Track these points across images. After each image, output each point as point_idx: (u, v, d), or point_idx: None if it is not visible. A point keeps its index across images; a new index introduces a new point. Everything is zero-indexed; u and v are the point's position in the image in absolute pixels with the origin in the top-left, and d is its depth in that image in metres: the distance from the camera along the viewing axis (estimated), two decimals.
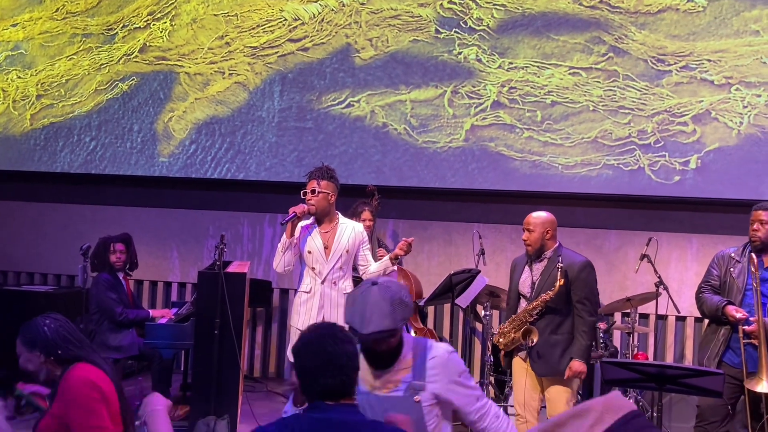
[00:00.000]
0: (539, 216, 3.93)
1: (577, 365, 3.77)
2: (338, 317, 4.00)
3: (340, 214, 4.18)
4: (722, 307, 3.76)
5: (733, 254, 3.89)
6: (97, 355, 2.61)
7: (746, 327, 3.65)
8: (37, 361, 2.54)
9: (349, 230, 4.08)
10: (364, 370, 2.34)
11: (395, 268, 4.18)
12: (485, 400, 2.42)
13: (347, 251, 4.04)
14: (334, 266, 4.03)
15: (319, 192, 4.00)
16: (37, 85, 6.96)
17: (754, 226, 3.80)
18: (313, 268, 4.05)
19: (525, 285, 3.93)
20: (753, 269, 3.70)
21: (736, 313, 3.70)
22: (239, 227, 6.62)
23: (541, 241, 3.89)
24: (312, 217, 4.11)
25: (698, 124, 5.67)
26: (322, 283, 4.02)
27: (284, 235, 4.04)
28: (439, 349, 2.40)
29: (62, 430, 2.46)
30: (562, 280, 3.74)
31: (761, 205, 3.91)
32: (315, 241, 4.05)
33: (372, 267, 4.13)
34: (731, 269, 3.84)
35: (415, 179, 6.13)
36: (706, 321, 4.09)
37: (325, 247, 4.04)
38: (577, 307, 3.83)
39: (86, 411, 2.42)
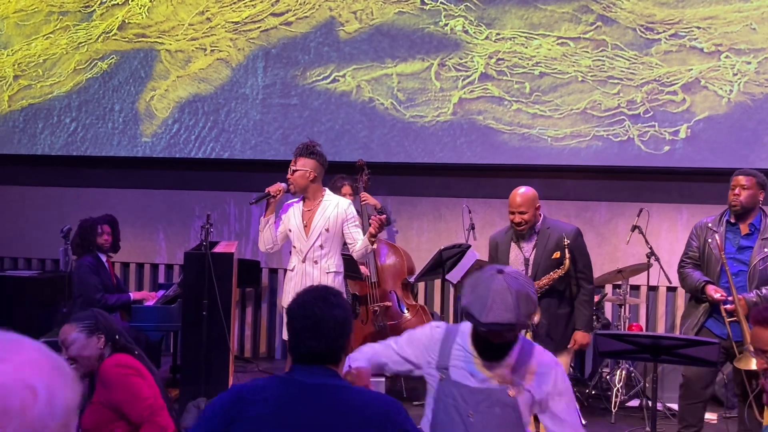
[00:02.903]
0: (526, 195, 3.84)
1: (582, 336, 3.77)
2: None
3: (327, 190, 4.11)
4: (702, 287, 3.74)
5: (710, 224, 3.86)
6: (134, 346, 2.72)
7: (727, 306, 3.65)
8: (95, 346, 2.59)
9: (332, 208, 4.00)
10: (465, 360, 2.26)
11: (374, 246, 4.08)
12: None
13: (327, 229, 3.97)
14: (313, 244, 3.97)
15: (295, 170, 3.96)
16: (13, 65, 6.78)
17: (735, 191, 3.77)
18: (294, 247, 4.03)
19: (517, 263, 3.85)
20: (718, 249, 3.68)
21: (715, 293, 3.68)
22: (226, 207, 6.53)
23: (534, 219, 3.84)
24: (300, 195, 4.07)
25: (688, 93, 5.61)
26: (303, 261, 3.99)
27: (264, 214, 4.04)
28: (547, 357, 2.31)
29: (109, 416, 2.53)
30: (568, 257, 3.71)
31: (741, 171, 3.90)
32: (296, 219, 4.03)
33: (358, 245, 4.03)
34: (709, 240, 3.80)
35: (402, 155, 6.05)
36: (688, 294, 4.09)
37: (305, 225, 4.00)
38: (578, 276, 3.81)
39: (128, 389, 2.51)
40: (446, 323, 2.44)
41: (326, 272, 3.98)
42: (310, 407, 1.79)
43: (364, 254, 4.09)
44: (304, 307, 1.91)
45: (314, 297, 1.92)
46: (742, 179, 3.78)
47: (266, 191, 3.99)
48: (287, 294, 4.03)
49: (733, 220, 3.80)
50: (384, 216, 4.00)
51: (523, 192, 3.84)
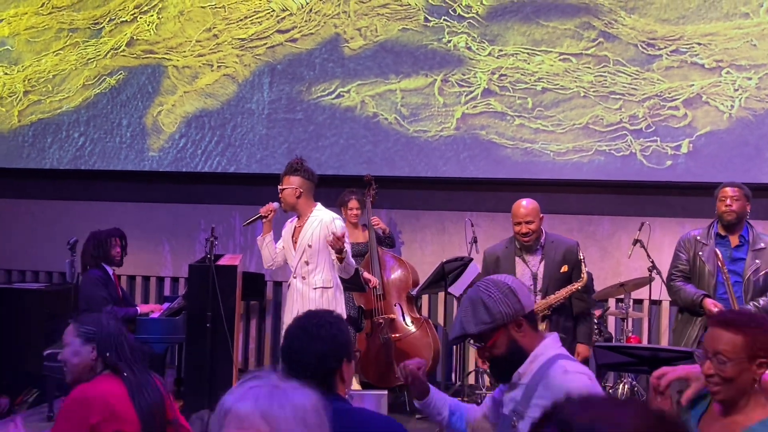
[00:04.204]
0: (530, 206, 3.86)
1: (584, 349, 3.79)
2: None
3: (318, 206, 4.15)
4: (700, 301, 3.75)
5: (699, 237, 3.89)
6: (134, 369, 2.54)
7: None
8: (86, 356, 2.48)
9: (316, 223, 4.05)
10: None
11: (342, 265, 3.98)
12: None
13: (309, 245, 4.02)
14: (299, 260, 4.04)
15: (282, 189, 4.07)
16: (24, 81, 6.89)
17: (727, 202, 3.83)
18: (287, 262, 4.16)
19: (525, 278, 3.84)
20: (720, 263, 3.70)
21: (714, 308, 3.70)
22: (231, 220, 6.58)
23: (539, 230, 3.85)
24: (292, 213, 4.20)
25: (689, 108, 5.65)
26: (294, 277, 4.08)
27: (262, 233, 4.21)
28: (555, 371, 1.93)
29: None
30: (585, 270, 3.73)
31: (727, 183, 4.00)
32: (287, 235, 4.14)
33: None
34: (699, 253, 3.84)
35: (406, 169, 6.10)
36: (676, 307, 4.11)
37: (294, 242, 4.08)
38: (580, 290, 3.82)
39: (66, 425, 2.37)
40: None
41: (313, 288, 4.02)
42: None
43: (340, 271, 4.04)
44: (288, 338, 1.93)
45: (298, 327, 1.92)
46: (730, 191, 3.85)
47: (258, 213, 4.14)
48: (286, 308, 4.15)
49: (723, 233, 3.84)
50: (342, 233, 3.89)
51: (527, 203, 3.86)
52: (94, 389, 2.44)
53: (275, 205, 4.16)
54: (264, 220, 4.17)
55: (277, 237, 4.27)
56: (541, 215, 3.88)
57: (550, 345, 2.01)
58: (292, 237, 4.11)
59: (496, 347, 1.98)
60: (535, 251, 3.85)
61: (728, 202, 3.81)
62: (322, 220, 4.05)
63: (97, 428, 2.39)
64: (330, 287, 4.05)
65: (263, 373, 1.22)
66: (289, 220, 4.23)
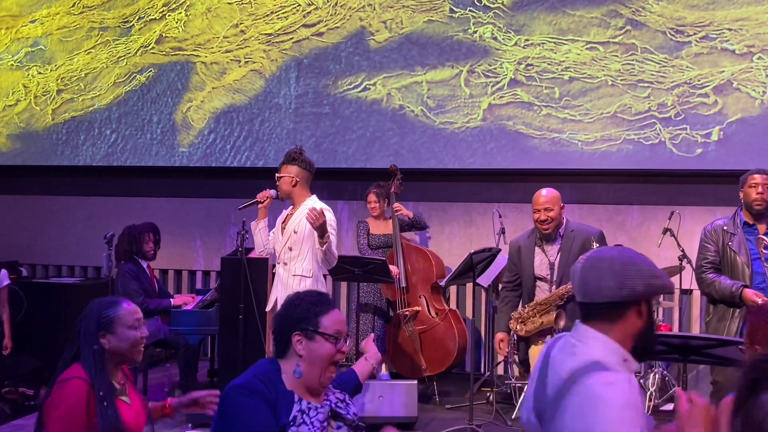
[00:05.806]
0: (552, 193, 3.87)
1: None
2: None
3: (312, 197, 4.15)
4: (739, 293, 3.69)
5: (725, 227, 3.81)
6: None
7: None
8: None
9: (304, 211, 4.03)
10: None
11: (323, 249, 3.89)
12: None
13: (294, 231, 4.06)
14: (284, 246, 4.08)
15: (279, 177, 4.13)
16: (57, 80, 7.04)
17: (759, 189, 3.74)
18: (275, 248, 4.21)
19: (542, 267, 3.83)
20: (765, 250, 3.63)
21: (757, 298, 3.63)
22: None
23: (559, 218, 3.84)
24: (288, 201, 4.26)
25: (719, 95, 5.58)
26: (277, 263, 4.14)
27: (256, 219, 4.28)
28: (592, 383, 1.60)
29: None
30: None
31: (757, 170, 3.89)
32: (279, 222, 4.20)
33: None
34: (729, 243, 3.74)
35: (433, 161, 6.12)
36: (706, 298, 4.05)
37: (283, 228, 4.13)
38: None
39: None
40: None
41: (292, 275, 4.04)
42: None
43: (322, 260, 3.99)
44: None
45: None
46: (760, 178, 3.80)
47: (255, 198, 4.22)
48: (270, 294, 4.24)
49: (750, 221, 3.78)
50: (320, 208, 3.81)
51: (546, 191, 3.86)
52: None
53: (272, 192, 4.23)
54: (260, 205, 4.23)
55: (273, 225, 4.36)
56: (562, 204, 3.87)
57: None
58: (283, 223, 4.17)
59: None
60: (554, 241, 3.84)
61: (760, 189, 3.75)
62: (312, 208, 4.06)
63: None
64: (309, 277, 4.01)
65: None
66: (285, 209, 4.29)
